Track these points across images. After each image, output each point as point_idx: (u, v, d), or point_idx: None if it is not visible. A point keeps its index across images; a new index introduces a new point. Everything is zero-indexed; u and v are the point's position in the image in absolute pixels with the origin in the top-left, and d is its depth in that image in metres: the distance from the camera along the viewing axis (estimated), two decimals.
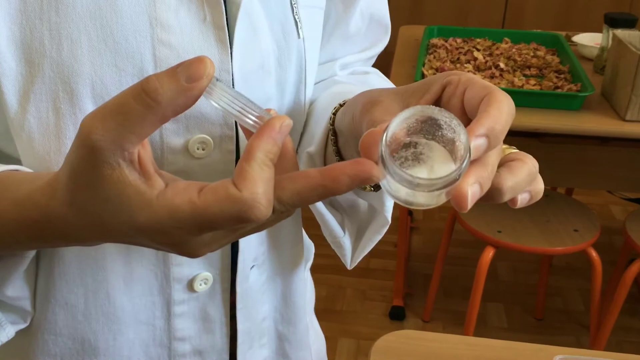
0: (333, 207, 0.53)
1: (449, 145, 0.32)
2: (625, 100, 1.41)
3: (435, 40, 1.89)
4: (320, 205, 0.51)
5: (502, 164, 0.36)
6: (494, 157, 0.34)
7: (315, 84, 0.55)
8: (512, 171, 0.35)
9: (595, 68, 1.73)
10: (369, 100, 0.39)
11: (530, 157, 0.37)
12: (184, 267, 0.48)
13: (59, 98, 0.40)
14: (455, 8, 3.47)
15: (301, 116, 0.51)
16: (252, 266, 0.52)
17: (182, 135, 0.43)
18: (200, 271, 0.49)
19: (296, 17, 0.47)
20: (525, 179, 0.35)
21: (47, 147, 0.42)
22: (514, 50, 1.81)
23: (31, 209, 0.35)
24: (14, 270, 0.43)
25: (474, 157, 0.32)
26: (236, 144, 0.45)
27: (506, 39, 1.90)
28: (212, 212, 0.31)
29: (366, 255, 0.54)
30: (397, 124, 0.32)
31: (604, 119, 1.46)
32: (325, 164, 0.48)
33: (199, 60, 0.30)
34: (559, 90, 1.53)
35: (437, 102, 0.38)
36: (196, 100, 0.31)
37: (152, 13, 0.40)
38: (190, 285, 0.49)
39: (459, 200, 0.32)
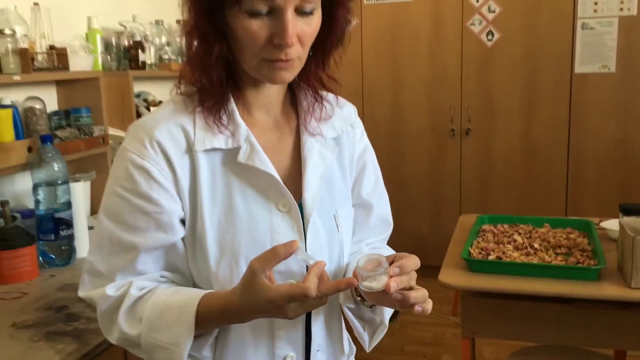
0: (361, 319, 1.01)
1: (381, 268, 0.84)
2: (629, 272, 1.78)
3: (486, 226, 2.37)
4: (353, 318, 1.00)
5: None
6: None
7: (350, 254, 1.06)
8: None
9: (617, 247, 2.12)
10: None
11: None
12: (282, 348, 0.96)
13: (233, 263, 0.92)
14: (519, 198, 3.97)
15: (341, 270, 1.02)
16: (318, 350, 1.00)
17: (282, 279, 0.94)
18: (289, 352, 0.97)
19: (337, 223, 1.00)
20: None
21: (227, 283, 0.92)
22: (550, 233, 2.24)
23: (224, 303, 0.87)
24: (209, 339, 0.93)
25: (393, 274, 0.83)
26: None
27: (546, 224, 2.35)
28: (294, 292, 0.81)
29: None
30: (360, 265, 0.84)
31: (616, 287, 1.82)
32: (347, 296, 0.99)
33: (293, 241, 0.83)
34: (579, 265, 1.92)
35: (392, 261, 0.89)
36: (291, 255, 0.83)
37: (271, 229, 0.93)
38: None
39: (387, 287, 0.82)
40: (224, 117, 0.90)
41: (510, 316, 1.99)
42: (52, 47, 1.89)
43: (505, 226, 2.37)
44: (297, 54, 0.86)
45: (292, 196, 0.92)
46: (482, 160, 3.95)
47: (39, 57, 1.83)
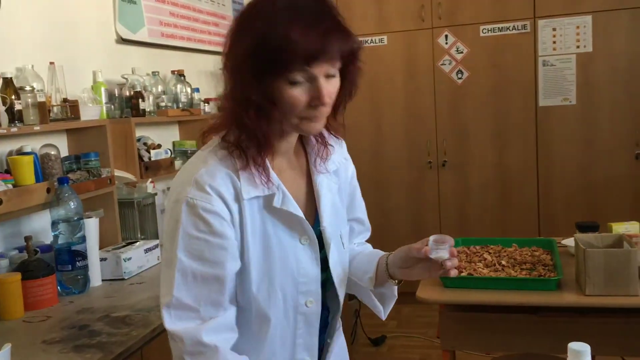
0: (379, 296, 1.28)
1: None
2: (583, 281, 2.02)
3: (459, 248, 2.59)
4: (373, 297, 1.28)
5: None
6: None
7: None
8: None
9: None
10: (406, 248, 1.18)
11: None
12: (300, 353, 1.17)
13: (269, 286, 1.09)
14: (495, 222, 4.23)
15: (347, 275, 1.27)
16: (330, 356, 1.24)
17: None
18: (306, 357, 1.18)
19: (342, 241, 1.23)
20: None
21: (265, 302, 1.09)
22: (517, 252, 2.48)
23: None
24: None
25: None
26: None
27: (514, 244, 2.58)
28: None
29: None
30: (431, 240, 1.12)
31: (573, 295, 2.05)
32: (377, 280, 1.24)
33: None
34: (539, 277, 2.15)
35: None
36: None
37: (296, 258, 1.13)
38: None
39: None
40: (260, 169, 1.07)
41: (484, 328, 2.20)
42: (65, 100, 2.13)
43: (477, 247, 2.60)
44: (328, 110, 1.07)
45: (312, 231, 1.14)
46: (459, 189, 4.21)
47: (55, 109, 2.06)
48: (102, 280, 2.09)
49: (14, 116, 1.88)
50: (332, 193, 1.21)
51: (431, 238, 1.14)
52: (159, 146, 2.71)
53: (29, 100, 1.95)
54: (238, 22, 1.05)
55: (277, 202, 1.09)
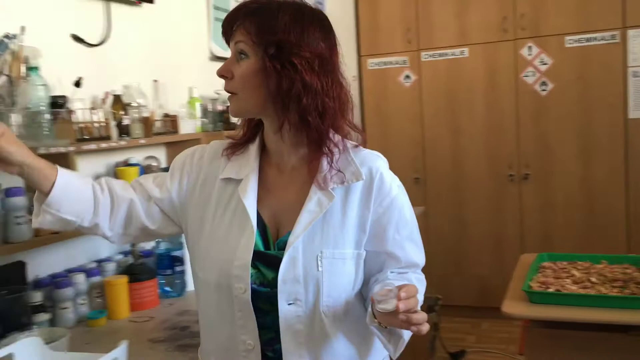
0: (386, 335, 1.12)
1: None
2: None
3: (545, 263, 2.55)
4: (379, 334, 1.12)
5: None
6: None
7: (375, 280, 1.20)
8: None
9: None
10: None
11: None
12: (240, 334, 1.16)
13: (210, 262, 1.18)
14: (580, 238, 4.09)
15: (315, 302, 1.14)
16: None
17: None
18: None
19: (318, 262, 1.13)
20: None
21: (208, 277, 1.18)
22: (607, 269, 2.41)
23: None
24: None
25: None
26: None
27: (604, 261, 2.51)
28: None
29: None
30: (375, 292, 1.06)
31: None
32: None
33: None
34: (632, 295, 2.09)
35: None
36: None
37: (235, 251, 1.15)
38: None
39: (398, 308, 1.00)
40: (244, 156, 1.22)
41: (572, 346, 2.15)
42: (166, 115, 2.28)
43: (564, 263, 2.55)
44: (230, 88, 1.14)
45: (254, 224, 1.14)
46: (542, 203, 4.11)
47: (157, 124, 2.21)
48: None
49: (122, 130, 2.04)
50: (321, 208, 1.14)
51: (375, 288, 1.11)
52: None
53: (135, 115, 2.10)
54: None
55: (240, 189, 1.18)
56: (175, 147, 2.43)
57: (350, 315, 1.18)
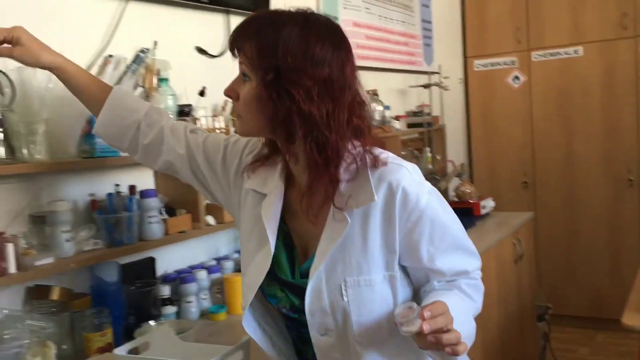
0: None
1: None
2: None
3: None
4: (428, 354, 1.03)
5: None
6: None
7: (424, 291, 1.15)
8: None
9: None
10: None
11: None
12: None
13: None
14: None
15: (345, 331, 1.10)
16: None
17: None
18: None
19: (343, 291, 1.07)
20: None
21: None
22: None
23: None
24: None
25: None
26: None
27: None
28: None
29: None
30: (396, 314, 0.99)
31: None
32: None
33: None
34: None
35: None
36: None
37: (250, 265, 1.17)
38: None
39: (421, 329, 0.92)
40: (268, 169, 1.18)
41: None
42: None
43: None
44: (237, 110, 1.09)
45: (271, 245, 1.12)
46: None
47: None
48: None
49: None
50: (338, 236, 1.07)
51: (396, 310, 1.00)
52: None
53: None
54: None
55: (263, 204, 1.15)
56: None
57: (395, 336, 1.08)
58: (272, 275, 1.16)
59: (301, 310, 1.12)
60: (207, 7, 2.21)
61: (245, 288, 1.19)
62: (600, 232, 4.04)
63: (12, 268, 1.39)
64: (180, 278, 1.94)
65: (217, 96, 2.19)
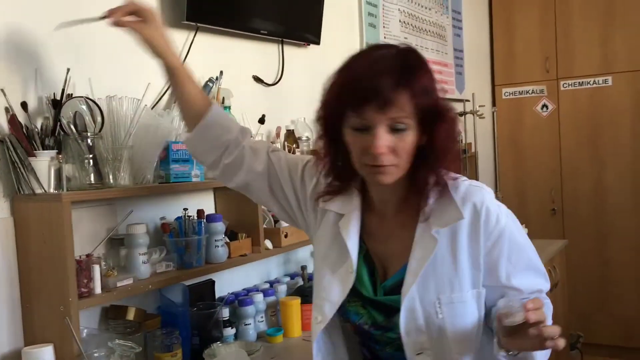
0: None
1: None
2: None
3: None
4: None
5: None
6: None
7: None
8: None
9: None
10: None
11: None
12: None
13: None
14: None
15: (442, 349, 1.13)
16: None
17: None
18: None
19: (437, 309, 1.11)
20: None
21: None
22: None
23: None
24: None
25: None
26: None
27: None
28: None
29: None
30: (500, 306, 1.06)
31: None
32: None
33: None
34: None
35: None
36: None
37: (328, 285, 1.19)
38: None
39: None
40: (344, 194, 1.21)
41: None
42: None
43: None
44: (391, 162, 1.05)
45: (354, 266, 1.15)
46: None
47: None
48: None
49: None
50: (428, 254, 1.11)
51: (499, 304, 1.07)
52: None
53: (304, 148, 2.27)
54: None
55: (341, 223, 1.19)
56: None
57: (481, 352, 1.15)
58: (353, 291, 1.18)
59: (384, 327, 1.16)
60: (265, 37, 2.29)
61: (321, 302, 1.20)
62: (631, 261, 4.03)
63: (97, 289, 1.44)
64: (238, 301, 1.98)
65: (272, 122, 2.26)
